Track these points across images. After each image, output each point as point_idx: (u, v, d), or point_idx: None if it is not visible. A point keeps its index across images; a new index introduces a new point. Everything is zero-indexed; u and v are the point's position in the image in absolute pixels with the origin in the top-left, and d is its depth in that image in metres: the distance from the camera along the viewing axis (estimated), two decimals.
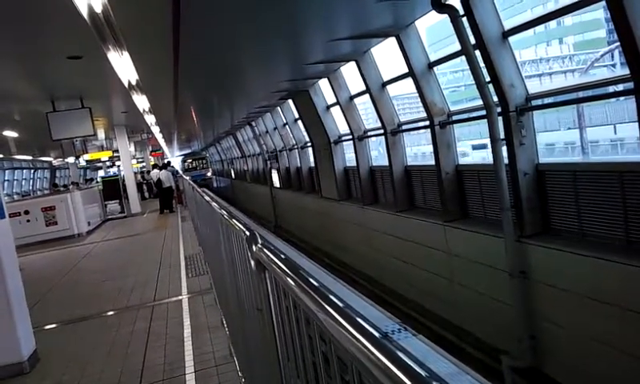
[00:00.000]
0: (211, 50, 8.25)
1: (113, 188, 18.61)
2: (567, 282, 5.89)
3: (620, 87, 5.51)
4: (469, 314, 7.92)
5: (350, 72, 11.10)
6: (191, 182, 9.63)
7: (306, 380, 1.28)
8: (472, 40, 6.46)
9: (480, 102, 6.80)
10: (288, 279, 1.21)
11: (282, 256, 1.37)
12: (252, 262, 1.72)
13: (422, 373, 0.58)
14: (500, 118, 6.56)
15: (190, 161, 45.50)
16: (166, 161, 27.20)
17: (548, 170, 6.59)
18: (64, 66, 7.29)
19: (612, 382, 5.35)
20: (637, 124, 4.88)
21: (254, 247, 1.70)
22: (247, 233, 1.88)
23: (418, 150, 17.02)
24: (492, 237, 7.08)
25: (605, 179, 5.73)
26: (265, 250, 1.52)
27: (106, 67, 7.19)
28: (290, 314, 1.33)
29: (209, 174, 44.89)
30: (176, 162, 48.34)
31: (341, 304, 0.90)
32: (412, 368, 0.59)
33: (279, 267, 1.31)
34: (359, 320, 0.80)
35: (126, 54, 6.60)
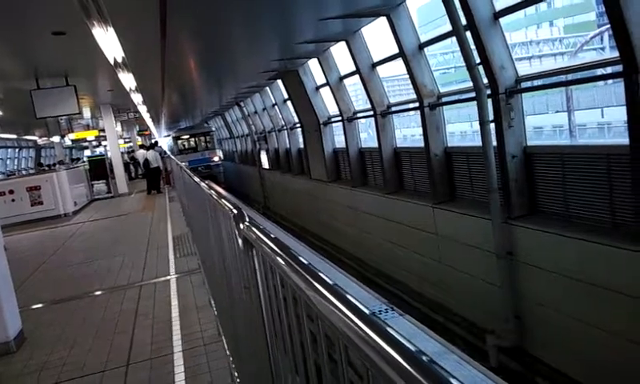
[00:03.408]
0: (199, 27, 8.10)
1: (99, 168, 18.41)
2: (553, 263, 5.97)
3: (609, 70, 5.53)
4: (456, 294, 8.01)
5: (340, 52, 11.02)
6: (184, 167, 7.22)
7: (294, 357, 1.28)
8: (463, 21, 6.42)
9: (470, 84, 6.78)
10: (276, 257, 1.19)
11: (270, 234, 1.36)
12: (239, 240, 1.70)
13: (412, 348, 0.57)
14: (489, 101, 6.56)
15: (186, 138, 29.22)
16: (153, 141, 26.90)
17: (536, 152, 6.62)
18: (48, 41, 7.12)
19: (596, 361, 5.46)
20: (624, 107, 4.91)
21: (241, 225, 1.68)
22: (235, 211, 1.87)
23: (408, 132, 17.01)
24: (480, 218, 7.13)
25: (592, 162, 5.78)
26: (252, 228, 1.51)
27: (90, 44, 7.02)
28: (277, 291, 1.32)
29: (216, 158, 28.47)
30: (164, 143, 40.20)
31: (330, 281, 0.89)
32: (402, 343, 0.59)
33: (266, 245, 1.30)
34: (348, 297, 0.79)
35: (111, 29, 6.45)
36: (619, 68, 4.90)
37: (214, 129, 30.66)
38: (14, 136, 25.35)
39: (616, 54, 4.91)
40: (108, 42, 7.04)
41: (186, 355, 4.03)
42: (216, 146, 29.43)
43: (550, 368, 6.14)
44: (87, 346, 4.47)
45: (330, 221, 13.68)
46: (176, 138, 29.33)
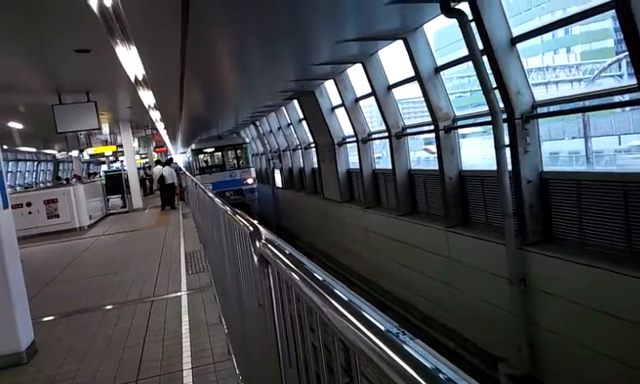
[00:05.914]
0: (219, 48, 8.26)
1: (115, 183, 18.64)
2: (568, 291, 5.86)
3: (626, 97, 5.50)
4: (467, 320, 7.89)
5: (356, 74, 11.12)
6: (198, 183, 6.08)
7: (306, 371, 1.27)
8: (480, 45, 6.46)
9: (485, 108, 6.79)
10: (292, 274, 1.20)
11: (285, 250, 1.37)
12: (255, 258, 1.71)
13: (429, 365, 0.57)
14: (505, 125, 6.55)
15: (209, 151, 22.15)
16: (168, 157, 27.18)
17: (551, 178, 6.57)
18: (72, 59, 7.30)
19: None
20: None
21: (257, 243, 1.69)
22: (251, 228, 1.88)
23: (421, 154, 16.98)
24: (493, 243, 7.05)
25: (608, 189, 5.71)
26: (269, 246, 1.52)
27: (113, 61, 7.18)
28: (292, 308, 1.33)
29: (250, 180, 21.14)
30: (180, 160, 39.86)
31: (345, 298, 0.90)
32: (419, 361, 0.59)
33: (283, 262, 1.31)
34: (364, 314, 0.79)
35: (133, 48, 6.60)
36: (638, 95, 4.88)
37: (247, 140, 23.57)
38: (34, 149, 25.82)
39: (634, 81, 4.89)
40: (130, 60, 7.20)
41: (195, 373, 4.01)
42: (250, 163, 21.97)
43: None
44: (97, 360, 4.48)
45: (341, 241, 13.63)
46: (197, 152, 22.08)
